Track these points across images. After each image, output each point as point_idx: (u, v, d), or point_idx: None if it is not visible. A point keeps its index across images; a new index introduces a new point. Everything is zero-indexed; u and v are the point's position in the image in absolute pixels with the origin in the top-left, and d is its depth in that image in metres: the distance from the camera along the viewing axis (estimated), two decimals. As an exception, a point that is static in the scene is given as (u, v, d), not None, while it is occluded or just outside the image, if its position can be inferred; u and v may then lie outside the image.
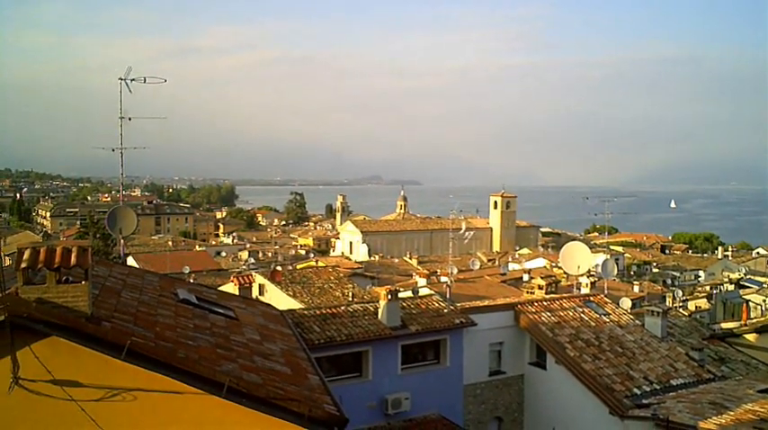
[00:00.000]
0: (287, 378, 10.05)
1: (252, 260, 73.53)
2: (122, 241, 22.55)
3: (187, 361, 8.51)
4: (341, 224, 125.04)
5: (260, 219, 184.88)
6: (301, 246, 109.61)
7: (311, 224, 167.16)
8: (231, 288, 23.73)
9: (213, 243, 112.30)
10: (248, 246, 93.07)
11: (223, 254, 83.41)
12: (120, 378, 8.21)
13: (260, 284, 33.51)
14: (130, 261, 56.14)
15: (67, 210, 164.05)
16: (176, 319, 10.91)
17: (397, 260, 77.91)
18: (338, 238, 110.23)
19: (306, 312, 19.20)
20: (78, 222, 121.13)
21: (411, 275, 53.91)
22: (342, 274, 40.92)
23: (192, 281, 32.12)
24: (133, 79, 20.90)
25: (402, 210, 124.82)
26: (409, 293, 24.95)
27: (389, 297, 19.06)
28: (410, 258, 76.32)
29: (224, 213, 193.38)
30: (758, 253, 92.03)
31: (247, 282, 22.94)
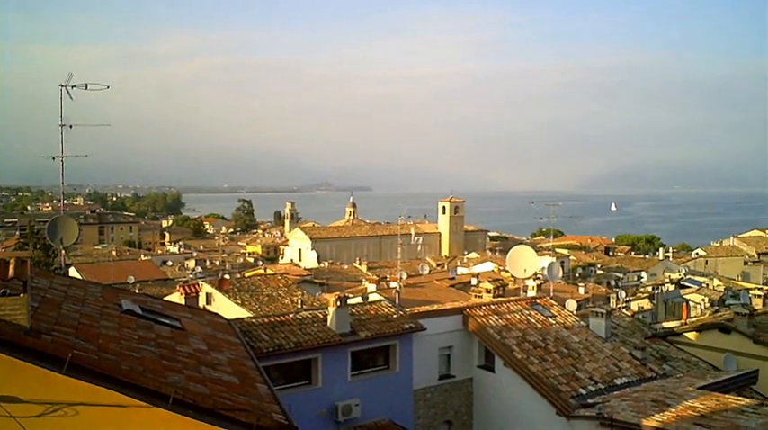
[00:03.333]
0: (235, 388, 9.96)
1: (199, 269, 72.64)
2: (64, 252, 22.05)
3: (131, 373, 8.35)
4: (290, 231, 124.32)
5: (207, 226, 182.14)
6: (249, 253, 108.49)
7: (259, 231, 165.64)
8: (177, 298, 23.34)
9: (159, 252, 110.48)
10: (195, 254, 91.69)
11: (169, 263, 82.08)
12: (61, 392, 7.99)
13: (207, 293, 33.06)
14: (72, 272, 54.78)
15: (6, 220, 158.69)
16: (120, 331, 10.70)
17: (346, 266, 77.79)
18: (287, 245, 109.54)
19: (254, 320, 19.03)
20: (17, 233, 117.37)
21: (360, 281, 53.87)
22: (291, 282, 40.70)
23: (136, 291, 31.50)
24: (74, 86, 20.49)
25: (351, 217, 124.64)
26: (359, 299, 24.91)
27: (339, 303, 19.05)
28: (359, 264, 76.27)
29: (170, 221, 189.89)
30: (697, 253, 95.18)
31: (194, 291, 22.52)
